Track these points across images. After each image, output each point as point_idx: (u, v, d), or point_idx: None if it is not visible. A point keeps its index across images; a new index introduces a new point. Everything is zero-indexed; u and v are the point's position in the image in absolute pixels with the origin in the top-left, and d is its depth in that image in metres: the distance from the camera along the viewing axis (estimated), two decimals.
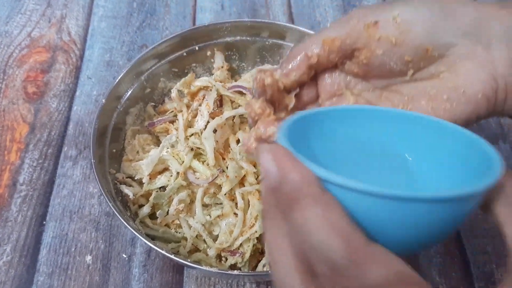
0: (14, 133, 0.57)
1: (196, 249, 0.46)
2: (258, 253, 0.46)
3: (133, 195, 0.45)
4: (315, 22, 0.71)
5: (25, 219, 0.50)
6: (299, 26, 0.53)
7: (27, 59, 0.64)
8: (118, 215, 0.39)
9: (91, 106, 0.59)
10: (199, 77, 0.54)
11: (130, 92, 0.50)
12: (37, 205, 0.52)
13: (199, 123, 0.48)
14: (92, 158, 0.42)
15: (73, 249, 0.49)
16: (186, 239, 0.46)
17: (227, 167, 0.46)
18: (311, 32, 0.52)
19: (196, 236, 0.45)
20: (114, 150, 0.48)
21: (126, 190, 0.45)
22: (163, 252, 0.37)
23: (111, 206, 0.39)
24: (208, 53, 0.54)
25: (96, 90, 0.61)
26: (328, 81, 0.33)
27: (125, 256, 0.49)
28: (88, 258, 0.48)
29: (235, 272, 0.36)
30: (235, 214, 0.45)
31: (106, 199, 0.40)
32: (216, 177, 0.45)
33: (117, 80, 0.48)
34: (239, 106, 0.50)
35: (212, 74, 0.56)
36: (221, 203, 0.46)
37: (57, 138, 0.57)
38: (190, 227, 0.45)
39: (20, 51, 0.64)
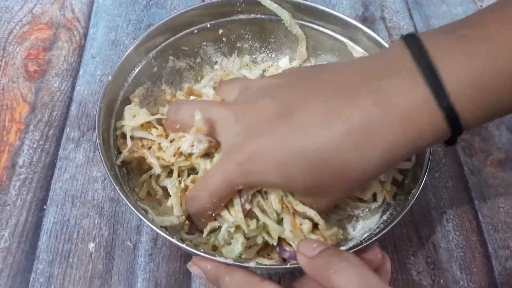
0: (14, 113, 0.54)
1: None
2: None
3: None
4: (330, 4, 0.68)
5: (24, 203, 0.48)
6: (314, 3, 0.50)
7: (28, 36, 0.61)
8: (124, 199, 0.36)
9: (95, 86, 0.57)
10: (209, 57, 0.52)
11: (137, 70, 0.47)
12: (37, 188, 0.49)
13: None
14: (97, 138, 0.40)
15: (75, 236, 0.46)
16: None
17: None
18: (328, 10, 0.49)
19: None
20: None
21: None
22: (174, 240, 0.35)
23: (118, 190, 0.37)
24: (220, 31, 0.51)
25: (100, 70, 0.58)
26: None
27: (130, 244, 0.46)
28: (91, 245, 0.46)
29: (251, 264, 0.33)
30: None
31: (112, 182, 0.37)
32: None
33: (124, 57, 0.45)
34: None
35: (224, 55, 0.53)
36: None
37: (59, 119, 0.54)
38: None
39: (21, 27, 0.61)
